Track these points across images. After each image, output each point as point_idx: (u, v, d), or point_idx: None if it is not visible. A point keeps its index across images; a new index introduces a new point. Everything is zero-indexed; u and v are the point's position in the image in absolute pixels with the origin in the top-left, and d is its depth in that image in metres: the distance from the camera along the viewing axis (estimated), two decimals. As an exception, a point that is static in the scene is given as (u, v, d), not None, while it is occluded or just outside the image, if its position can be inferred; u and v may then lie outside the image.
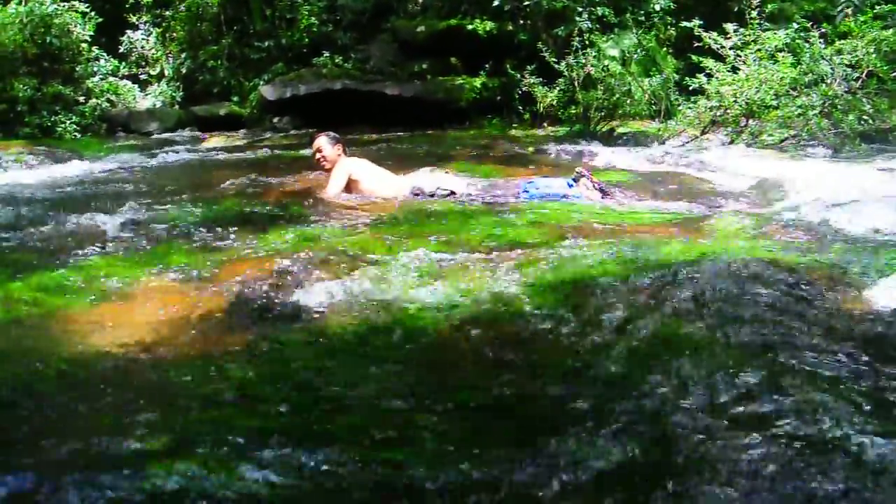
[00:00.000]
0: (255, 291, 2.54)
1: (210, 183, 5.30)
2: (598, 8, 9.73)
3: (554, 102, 8.84)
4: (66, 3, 10.48)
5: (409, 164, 5.74)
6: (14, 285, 2.66)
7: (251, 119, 11.35)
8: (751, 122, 7.36)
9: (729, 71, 7.39)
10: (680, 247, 2.87)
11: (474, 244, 3.12)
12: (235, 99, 11.84)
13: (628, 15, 9.82)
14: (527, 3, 9.92)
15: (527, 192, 4.46)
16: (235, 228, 3.58)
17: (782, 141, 7.04)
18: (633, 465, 1.39)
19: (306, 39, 11.94)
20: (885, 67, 7.04)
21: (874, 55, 6.94)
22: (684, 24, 8.13)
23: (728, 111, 7.36)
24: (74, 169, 6.58)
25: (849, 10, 9.52)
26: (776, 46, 7.23)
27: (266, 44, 11.96)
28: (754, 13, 7.54)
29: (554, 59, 8.65)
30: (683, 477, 1.34)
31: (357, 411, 1.70)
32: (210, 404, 1.73)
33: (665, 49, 9.92)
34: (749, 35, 7.43)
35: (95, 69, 11.34)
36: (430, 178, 4.77)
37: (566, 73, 8.54)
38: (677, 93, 8.60)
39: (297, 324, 2.29)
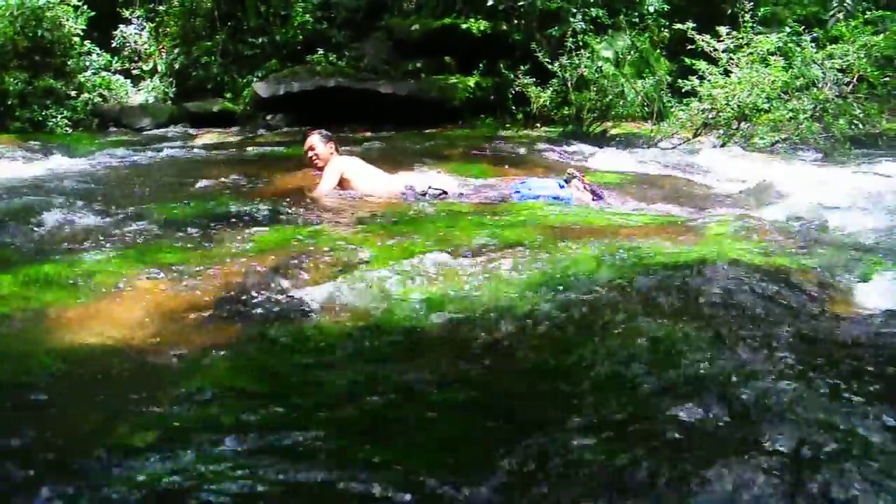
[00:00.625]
0: (244, 289, 2.54)
1: (201, 180, 5.28)
2: (592, 9, 9.75)
3: (547, 103, 8.86)
4: (58, -3, 10.42)
5: (402, 163, 5.74)
6: (1, 279, 2.65)
7: (244, 116, 11.30)
8: (742, 125, 7.40)
9: (721, 74, 7.43)
10: (669, 249, 2.89)
11: (465, 244, 3.12)
12: (228, 95, 11.79)
13: (622, 16, 9.84)
14: (521, 3, 9.94)
15: (518, 192, 4.47)
16: (226, 226, 3.57)
17: (773, 144, 7.09)
18: (619, 468, 1.40)
19: (300, 37, 11.90)
20: (875, 72, 7.11)
21: (864, 60, 7.01)
22: (678, 26, 8.16)
23: (720, 114, 7.41)
24: (65, 164, 6.54)
25: (840, 15, 9.59)
26: (768, 50, 7.27)
27: (260, 40, 11.91)
28: (747, 17, 7.58)
29: (547, 60, 8.67)
30: (668, 479, 1.35)
31: (344, 410, 1.71)
32: (197, 401, 1.73)
33: (658, 51, 9.95)
34: (742, 38, 7.47)
35: (87, 63, 11.26)
36: (422, 178, 4.77)
37: (559, 74, 8.57)
38: (670, 95, 8.63)
39: (286, 322, 2.29)
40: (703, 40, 7.59)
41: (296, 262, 2.81)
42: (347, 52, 11.81)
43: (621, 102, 8.30)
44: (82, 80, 10.83)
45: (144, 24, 12.93)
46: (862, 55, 7.00)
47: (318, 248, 3.02)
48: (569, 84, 8.49)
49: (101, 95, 11.07)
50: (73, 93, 10.51)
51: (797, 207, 4.03)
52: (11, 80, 9.59)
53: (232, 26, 12.03)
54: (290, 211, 4.03)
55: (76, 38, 10.75)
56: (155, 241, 3.31)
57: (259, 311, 2.38)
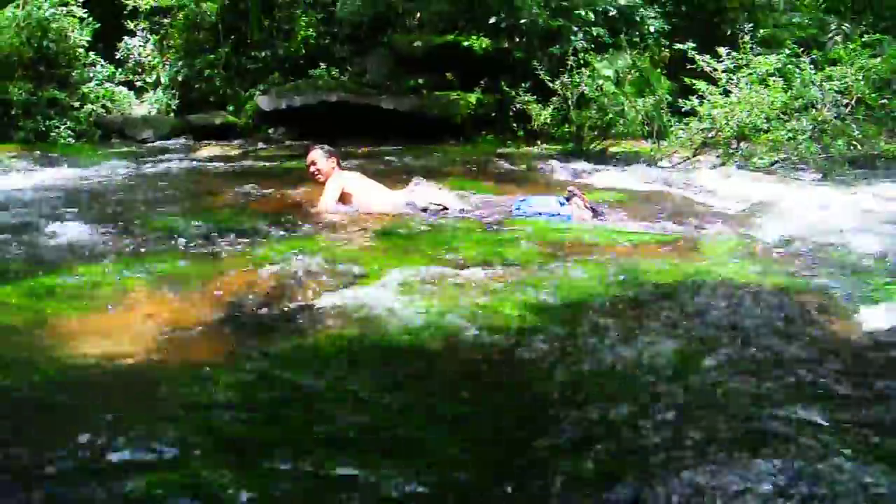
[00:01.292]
0: (245, 303, 2.55)
1: (202, 192, 5.30)
2: (594, 28, 9.84)
3: (548, 120, 8.91)
4: (63, 8, 10.48)
5: (403, 179, 5.76)
6: (3, 290, 2.66)
7: (246, 129, 11.34)
8: (742, 144, 7.44)
9: (721, 94, 7.48)
10: (669, 268, 2.90)
11: (465, 260, 3.13)
12: (231, 108, 11.83)
13: (623, 36, 9.93)
14: (523, 21, 10.02)
15: (519, 209, 4.49)
16: (226, 239, 3.58)
17: (772, 164, 7.12)
18: (618, 486, 1.40)
19: (303, 51, 11.98)
20: (873, 94, 7.17)
21: (862, 82, 7.06)
22: (678, 46, 8.22)
23: (720, 133, 7.45)
24: (68, 175, 6.56)
25: (838, 38, 9.68)
26: (767, 71, 7.33)
27: (263, 54, 11.99)
28: (747, 38, 7.65)
29: (549, 78, 8.73)
30: (664, 497, 1.35)
31: (343, 423, 1.71)
32: (198, 414, 1.73)
33: (659, 70, 10.02)
34: (741, 59, 7.53)
35: (91, 75, 11.31)
36: (423, 193, 4.79)
37: (560, 92, 8.63)
38: (670, 114, 8.68)
39: (285, 336, 2.30)
40: (703, 60, 7.65)
41: (296, 276, 2.82)
42: (350, 67, 11.89)
43: (621, 121, 8.34)
44: (86, 91, 10.87)
45: (149, 36, 13.01)
46: (860, 77, 7.06)
47: (319, 263, 3.03)
48: (569, 102, 8.55)
49: (104, 107, 11.11)
50: (76, 104, 10.54)
51: (795, 227, 4.05)
52: (16, 90, 9.63)
53: (235, 40, 12.11)
54: (290, 225, 4.04)
55: (81, 50, 10.80)
56: (155, 254, 3.32)
57: (258, 324, 2.39)
